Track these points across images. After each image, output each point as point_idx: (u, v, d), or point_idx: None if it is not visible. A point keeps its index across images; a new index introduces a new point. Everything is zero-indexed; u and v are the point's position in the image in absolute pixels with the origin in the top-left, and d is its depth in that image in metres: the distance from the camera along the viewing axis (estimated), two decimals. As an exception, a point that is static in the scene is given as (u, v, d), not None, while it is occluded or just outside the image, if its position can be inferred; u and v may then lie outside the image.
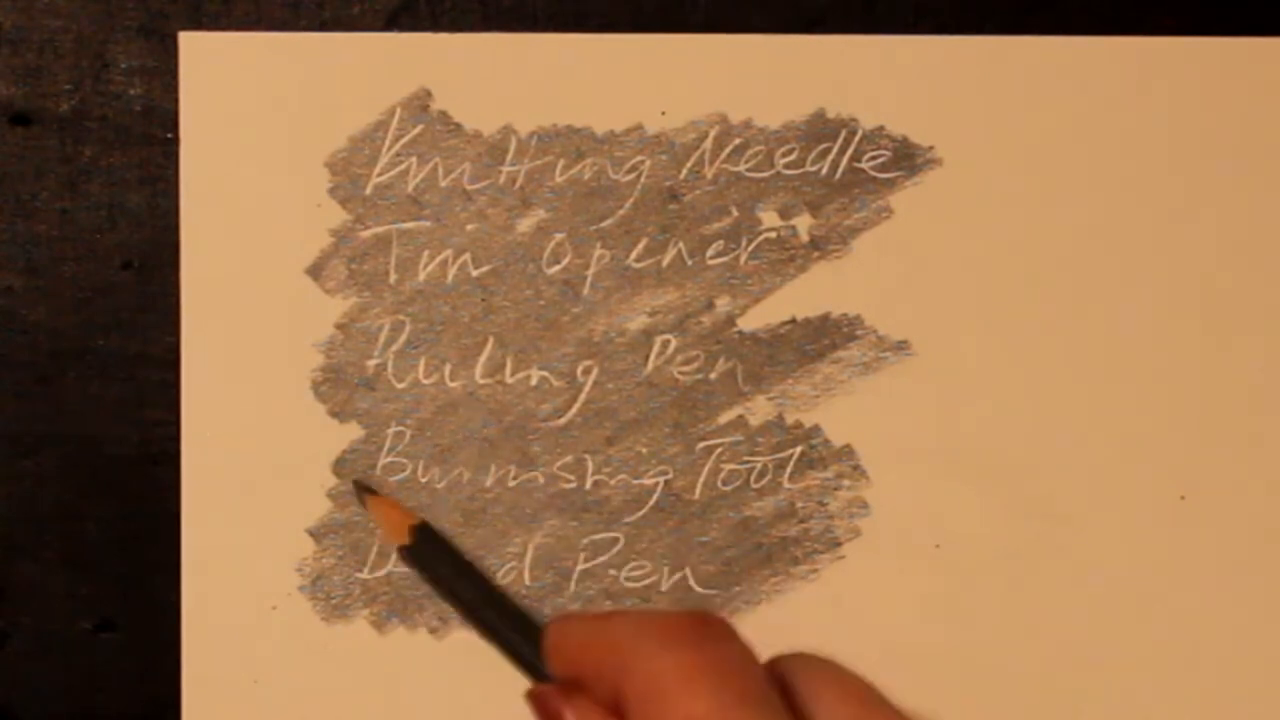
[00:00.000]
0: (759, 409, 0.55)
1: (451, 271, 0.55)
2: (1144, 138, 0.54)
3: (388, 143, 0.54)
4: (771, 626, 0.55)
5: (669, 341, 0.55)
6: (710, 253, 0.55)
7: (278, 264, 0.54)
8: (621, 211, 0.55)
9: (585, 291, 0.55)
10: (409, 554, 0.50)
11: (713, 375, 0.55)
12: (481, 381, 0.55)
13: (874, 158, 0.54)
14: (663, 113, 0.54)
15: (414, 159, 0.54)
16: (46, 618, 0.55)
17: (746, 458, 0.55)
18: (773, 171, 0.55)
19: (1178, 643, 0.55)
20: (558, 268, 0.55)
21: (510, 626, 0.42)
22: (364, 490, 0.54)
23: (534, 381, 0.55)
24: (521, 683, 0.39)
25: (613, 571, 0.55)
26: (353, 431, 0.55)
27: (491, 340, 0.55)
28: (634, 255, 0.55)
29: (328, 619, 0.55)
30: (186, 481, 0.54)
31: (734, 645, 0.35)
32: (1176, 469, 0.54)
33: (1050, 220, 0.54)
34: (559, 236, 0.55)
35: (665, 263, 0.55)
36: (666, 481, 0.55)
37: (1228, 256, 0.54)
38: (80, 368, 0.55)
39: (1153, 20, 0.54)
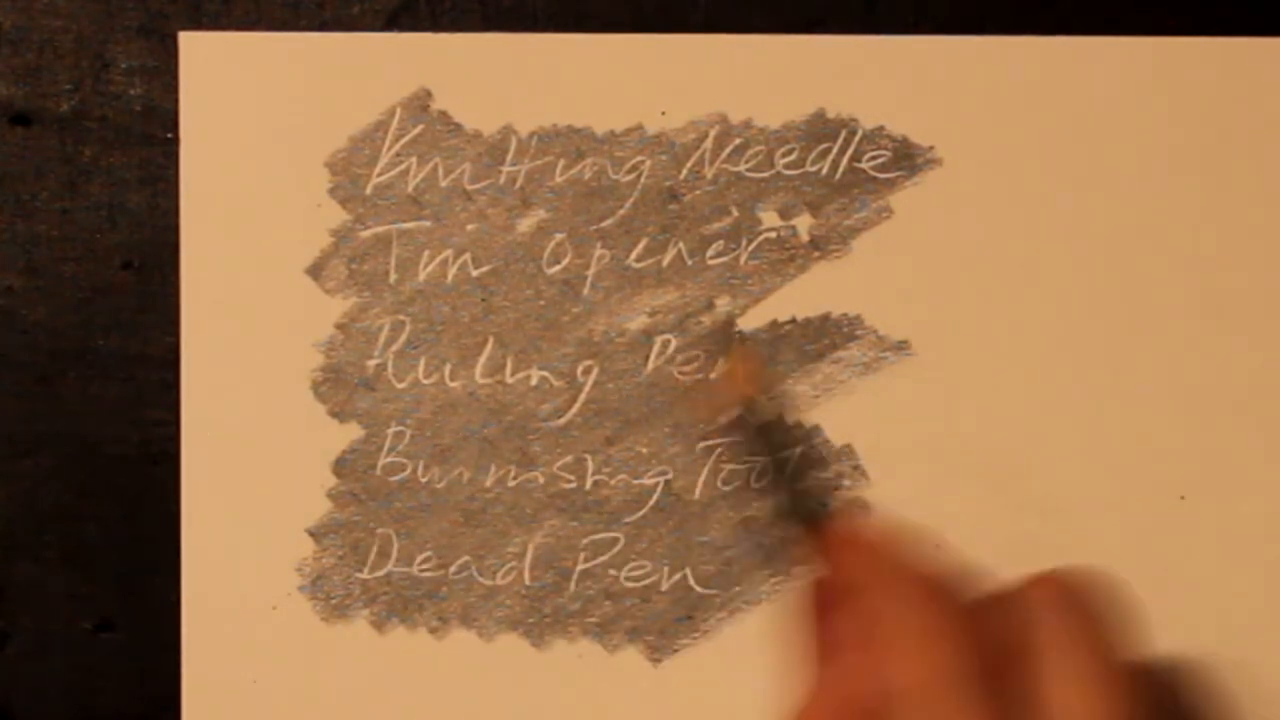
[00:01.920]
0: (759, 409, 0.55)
1: (451, 271, 0.55)
2: (1144, 138, 0.54)
3: (388, 143, 0.54)
4: (771, 626, 0.55)
5: (669, 341, 0.55)
6: (710, 253, 0.55)
7: (278, 264, 0.54)
8: (621, 211, 0.55)
9: (585, 291, 0.55)
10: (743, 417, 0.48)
11: (713, 375, 0.55)
12: (481, 381, 0.55)
13: (874, 158, 0.54)
14: (663, 113, 0.54)
15: (414, 159, 0.54)
16: (46, 618, 0.55)
17: (747, 458, 0.55)
18: (773, 171, 0.55)
19: (1177, 642, 0.54)
20: (558, 268, 0.55)
21: (799, 511, 0.43)
22: (728, 337, 0.53)
23: (534, 381, 0.55)
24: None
25: (613, 571, 0.55)
26: (353, 431, 0.55)
27: (491, 340, 0.55)
28: (634, 255, 0.55)
29: (328, 619, 0.55)
30: (186, 481, 0.54)
31: (969, 623, 0.35)
32: (1176, 469, 0.54)
33: (1050, 220, 0.54)
34: (559, 236, 0.55)
35: (665, 263, 0.55)
36: (666, 481, 0.55)
37: (1228, 256, 0.54)
38: (80, 368, 0.55)
39: (1153, 20, 0.54)
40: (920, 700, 0.34)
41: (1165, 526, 0.54)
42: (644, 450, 0.55)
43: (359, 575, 0.55)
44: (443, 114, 0.54)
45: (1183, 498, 0.55)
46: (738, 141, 0.54)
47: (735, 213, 0.55)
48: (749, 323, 0.55)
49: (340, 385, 0.55)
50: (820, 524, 0.40)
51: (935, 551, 0.38)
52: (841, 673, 0.35)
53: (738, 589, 0.55)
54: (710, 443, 0.55)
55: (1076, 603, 0.36)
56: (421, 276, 0.55)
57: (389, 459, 0.55)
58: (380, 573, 0.55)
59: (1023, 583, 0.37)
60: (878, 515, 0.42)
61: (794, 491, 0.44)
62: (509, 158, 0.54)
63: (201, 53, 0.54)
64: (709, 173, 0.55)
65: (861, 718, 0.34)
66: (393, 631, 0.55)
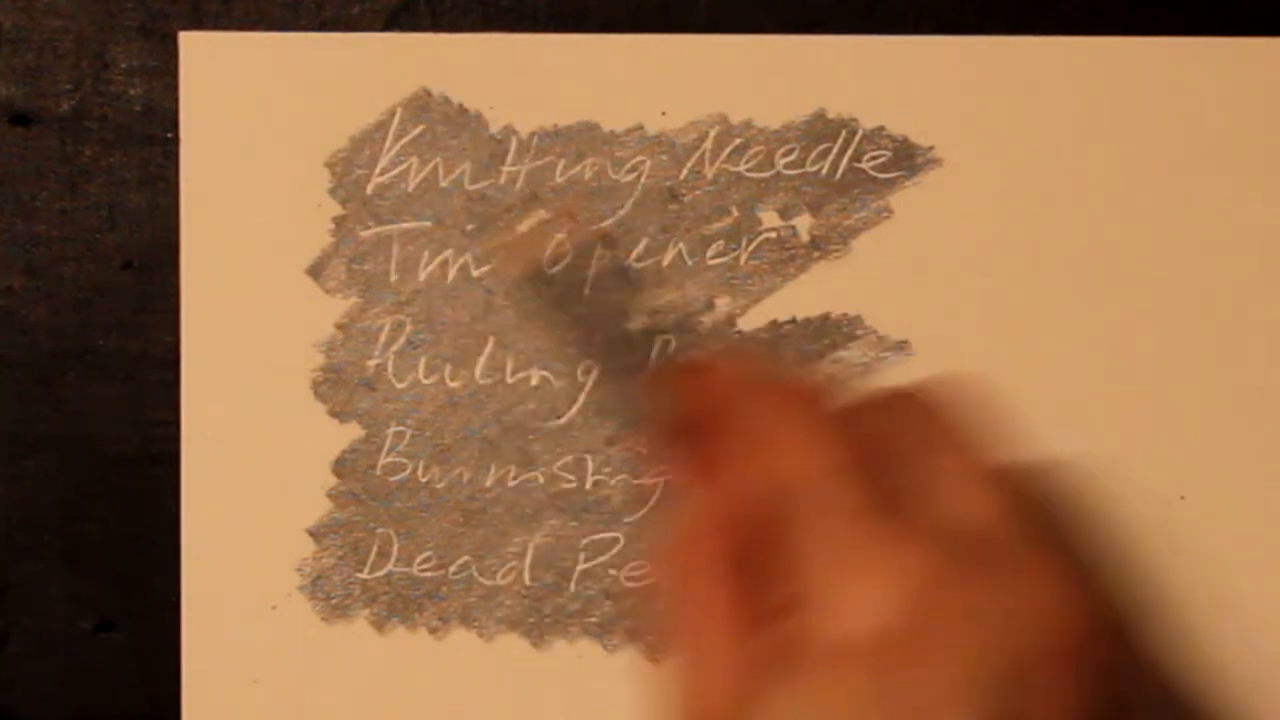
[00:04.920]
0: (759, 409, 0.55)
1: (451, 271, 0.55)
2: (1144, 138, 0.54)
3: (388, 143, 0.54)
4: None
5: (669, 341, 0.55)
6: (710, 253, 0.55)
7: (278, 264, 0.54)
8: (622, 211, 0.55)
9: (585, 291, 0.55)
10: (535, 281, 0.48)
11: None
12: (481, 381, 0.55)
13: (874, 158, 0.54)
14: (663, 113, 0.54)
15: (414, 159, 0.54)
16: (46, 618, 0.55)
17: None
18: (773, 171, 0.55)
19: (1177, 642, 0.54)
20: (558, 268, 0.55)
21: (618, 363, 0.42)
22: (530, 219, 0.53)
23: (534, 381, 0.55)
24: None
25: (613, 571, 0.55)
26: (353, 431, 0.55)
27: (491, 340, 0.55)
28: (634, 255, 0.55)
29: (328, 619, 0.55)
30: (186, 481, 0.54)
31: (848, 424, 0.35)
32: (1176, 469, 0.54)
33: (1050, 220, 0.54)
34: (559, 236, 0.55)
35: (665, 263, 0.55)
36: (667, 481, 0.55)
37: (1228, 256, 0.54)
38: (80, 368, 0.55)
39: (1153, 20, 0.54)
40: (806, 490, 0.33)
41: (1165, 526, 0.54)
42: (644, 450, 0.55)
43: (359, 575, 0.55)
44: (443, 114, 0.54)
45: (1183, 498, 0.55)
46: (738, 141, 0.54)
47: (735, 213, 0.55)
48: (749, 323, 0.55)
49: (340, 385, 0.55)
50: (657, 368, 0.40)
51: (790, 366, 0.38)
52: (723, 486, 0.35)
53: (738, 589, 0.55)
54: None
55: (940, 411, 0.36)
56: (421, 276, 0.55)
57: (389, 459, 0.55)
58: (380, 573, 0.55)
59: (885, 393, 0.37)
60: (716, 347, 0.41)
61: (613, 343, 0.43)
62: (509, 158, 0.54)
63: (201, 53, 0.54)
64: (709, 173, 0.55)
65: (749, 523, 0.34)
66: (393, 631, 0.55)
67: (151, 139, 0.55)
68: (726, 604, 0.34)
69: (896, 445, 0.35)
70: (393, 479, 0.55)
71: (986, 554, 0.33)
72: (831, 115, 0.54)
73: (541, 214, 0.51)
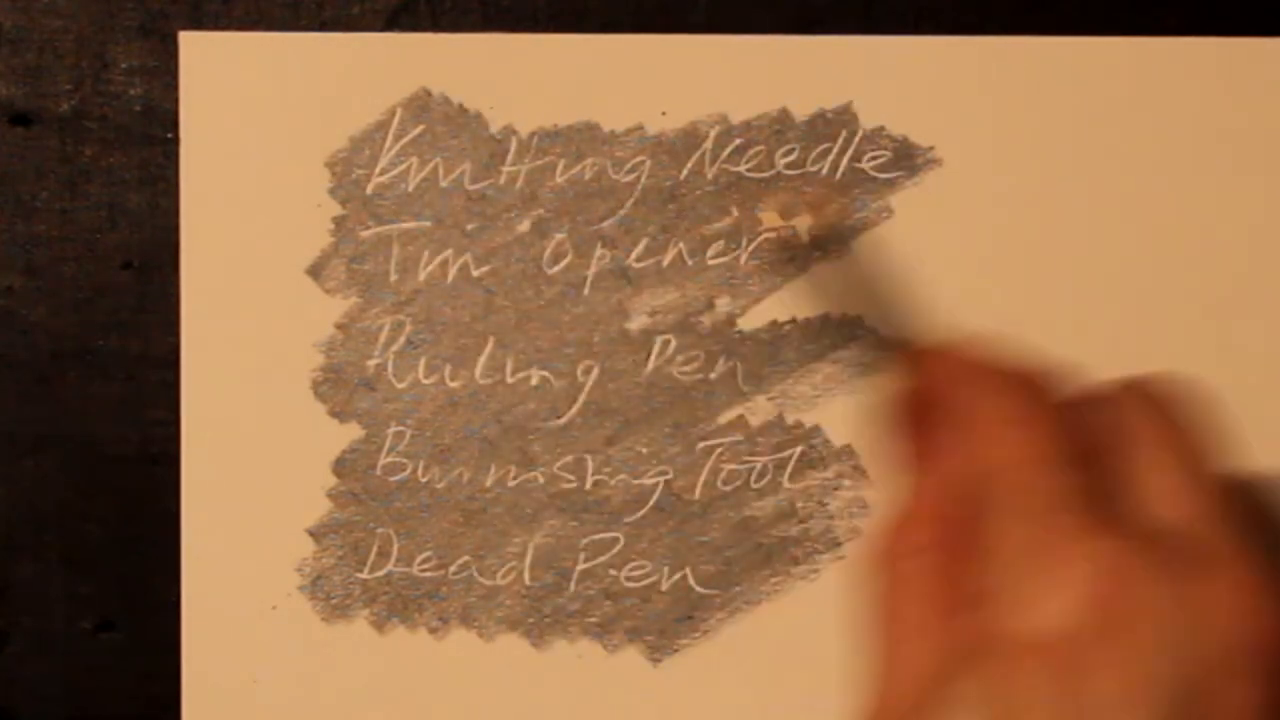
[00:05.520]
0: (759, 409, 0.55)
1: (451, 271, 0.55)
2: (1144, 138, 0.54)
3: (388, 143, 0.54)
4: (771, 626, 0.55)
5: (669, 341, 0.55)
6: (710, 253, 0.55)
7: (278, 264, 0.54)
8: (622, 211, 0.55)
9: (585, 291, 0.55)
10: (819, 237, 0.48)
11: (713, 375, 0.55)
12: (481, 381, 0.55)
13: (874, 158, 0.54)
14: (663, 113, 0.54)
15: (414, 159, 0.54)
16: (46, 618, 0.55)
17: (746, 458, 0.55)
18: (773, 171, 0.55)
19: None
20: (558, 268, 0.55)
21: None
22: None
23: (534, 381, 0.55)
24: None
25: (613, 571, 0.55)
26: (353, 431, 0.55)
27: (491, 340, 0.55)
28: (634, 255, 0.55)
29: (328, 619, 0.55)
30: (186, 481, 0.54)
31: (1062, 413, 0.36)
32: (1176, 469, 0.54)
33: (1050, 220, 0.54)
34: (559, 236, 0.55)
35: (665, 263, 0.55)
36: (666, 481, 0.55)
37: (1228, 256, 0.54)
38: (80, 368, 0.55)
39: (1153, 20, 0.54)
40: (1016, 476, 0.34)
41: (1165, 526, 0.54)
42: (644, 450, 0.55)
43: (359, 575, 0.55)
44: (443, 114, 0.54)
45: (1183, 498, 0.54)
46: (738, 141, 0.54)
47: (735, 213, 0.55)
48: (749, 323, 0.55)
49: (340, 385, 0.55)
50: (907, 342, 0.40)
51: (1023, 354, 0.38)
52: (941, 469, 0.35)
53: (738, 589, 0.55)
54: (710, 443, 0.55)
55: (1168, 406, 0.36)
56: (421, 276, 0.55)
57: (389, 459, 0.55)
58: (380, 573, 0.55)
59: (1115, 385, 0.37)
60: (966, 333, 0.42)
61: (883, 313, 0.44)
62: (509, 158, 0.54)
63: (201, 53, 0.54)
64: (709, 173, 0.55)
65: (960, 502, 0.34)
66: (393, 631, 0.55)
67: (151, 139, 0.55)
68: (928, 590, 0.34)
69: (1114, 438, 0.35)
70: (393, 479, 0.55)
71: (1186, 555, 0.33)
72: (831, 115, 0.54)
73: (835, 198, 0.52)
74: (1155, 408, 0.36)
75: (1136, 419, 0.36)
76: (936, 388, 0.37)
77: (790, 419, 0.55)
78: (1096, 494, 0.34)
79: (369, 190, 0.54)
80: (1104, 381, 0.37)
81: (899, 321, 0.42)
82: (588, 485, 0.55)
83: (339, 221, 0.54)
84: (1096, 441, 0.35)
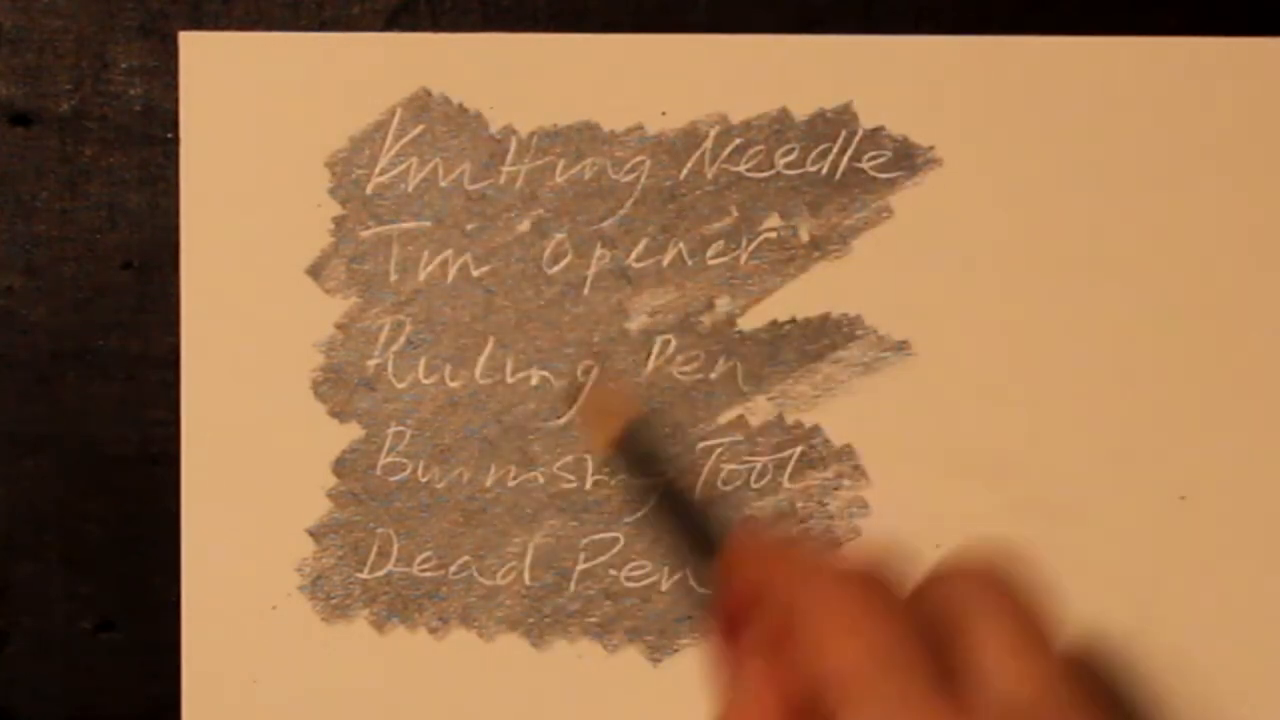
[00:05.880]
0: (759, 409, 0.55)
1: (451, 271, 0.55)
2: (1144, 138, 0.54)
3: (388, 143, 0.54)
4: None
5: (669, 341, 0.55)
6: (710, 253, 0.55)
7: (278, 264, 0.54)
8: (621, 211, 0.55)
9: (585, 291, 0.55)
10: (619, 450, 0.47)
11: (713, 375, 0.55)
12: (481, 381, 0.55)
13: (874, 158, 0.54)
14: (663, 113, 0.54)
15: (414, 159, 0.54)
16: (46, 618, 0.55)
17: (746, 458, 0.55)
18: (773, 171, 0.55)
19: (1177, 642, 0.55)
20: (558, 268, 0.55)
21: (693, 536, 0.42)
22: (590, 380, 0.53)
23: (534, 381, 0.55)
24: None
25: (613, 571, 0.55)
26: (353, 431, 0.55)
27: (491, 340, 0.55)
28: (634, 255, 0.55)
29: (328, 619, 0.55)
30: (186, 481, 0.54)
31: (897, 607, 0.35)
32: (1176, 469, 0.54)
33: (1050, 220, 0.54)
34: (559, 236, 0.55)
35: (665, 263, 0.55)
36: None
37: (1227, 256, 0.54)
38: (80, 368, 0.55)
39: (1153, 20, 0.54)
40: (857, 682, 0.33)
41: (1165, 526, 0.54)
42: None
43: (359, 575, 0.55)
44: (443, 114, 0.54)
45: (1183, 498, 0.55)
46: (738, 141, 0.54)
47: (735, 213, 0.55)
48: (749, 323, 0.55)
49: (340, 385, 0.55)
50: (720, 543, 0.39)
51: (843, 546, 0.38)
52: (766, 674, 0.35)
53: (738, 589, 0.55)
54: (710, 443, 0.55)
55: (1001, 580, 0.36)
56: (421, 276, 0.55)
57: (389, 459, 0.55)
58: (380, 573, 0.55)
59: (949, 564, 0.37)
60: (775, 524, 0.41)
61: (685, 516, 0.43)
62: (509, 158, 0.54)
63: (201, 53, 0.54)
64: (709, 173, 0.55)
65: (799, 709, 0.34)
66: (393, 631, 0.55)
67: (151, 139, 0.55)
68: None
69: (954, 616, 0.35)
70: (393, 479, 0.55)
71: None
72: (831, 115, 0.54)
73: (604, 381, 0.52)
74: (991, 584, 0.36)
75: (974, 597, 0.36)
76: (755, 589, 0.37)
77: (790, 419, 0.55)
78: (945, 679, 0.34)
79: (369, 190, 0.54)
80: (938, 561, 0.37)
81: (718, 535, 0.41)
82: (588, 485, 0.55)
83: (339, 221, 0.54)
84: (937, 624, 0.35)
